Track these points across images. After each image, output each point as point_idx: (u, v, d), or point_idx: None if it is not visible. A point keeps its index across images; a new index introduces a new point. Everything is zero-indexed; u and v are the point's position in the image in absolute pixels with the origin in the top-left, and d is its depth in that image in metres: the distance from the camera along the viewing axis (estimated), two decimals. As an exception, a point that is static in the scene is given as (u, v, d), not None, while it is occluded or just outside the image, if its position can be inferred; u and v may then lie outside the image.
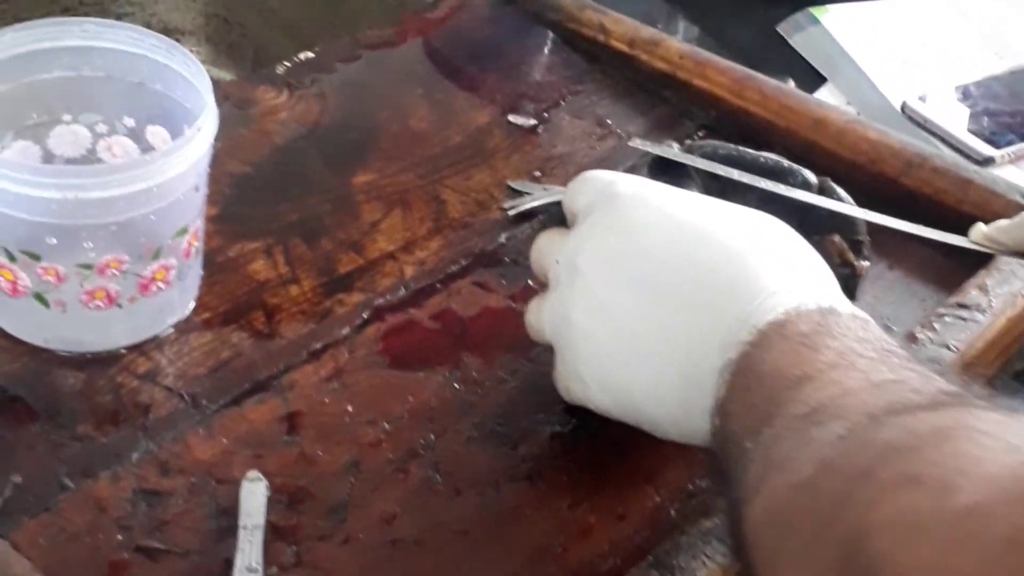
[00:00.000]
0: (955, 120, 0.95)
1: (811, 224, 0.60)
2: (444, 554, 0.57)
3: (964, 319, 0.67)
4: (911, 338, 0.67)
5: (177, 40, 0.65)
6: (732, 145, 0.67)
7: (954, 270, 0.74)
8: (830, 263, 0.56)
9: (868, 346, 0.46)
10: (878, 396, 0.42)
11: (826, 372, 0.45)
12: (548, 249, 0.59)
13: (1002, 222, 0.68)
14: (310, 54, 0.89)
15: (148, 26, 1.20)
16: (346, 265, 0.72)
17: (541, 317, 0.59)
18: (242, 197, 0.76)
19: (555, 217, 0.63)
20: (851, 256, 0.64)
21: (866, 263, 0.65)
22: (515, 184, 0.80)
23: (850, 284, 0.63)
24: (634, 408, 0.55)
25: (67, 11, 1.18)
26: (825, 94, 0.99)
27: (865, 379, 0.44)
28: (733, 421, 0.48)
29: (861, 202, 0.67)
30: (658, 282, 0.53)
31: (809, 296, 0.50)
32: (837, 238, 0.64)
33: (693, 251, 0.53)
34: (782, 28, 1.04)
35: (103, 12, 1.20)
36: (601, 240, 0.55)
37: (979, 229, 0.68)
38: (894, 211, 0.68)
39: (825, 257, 0.56)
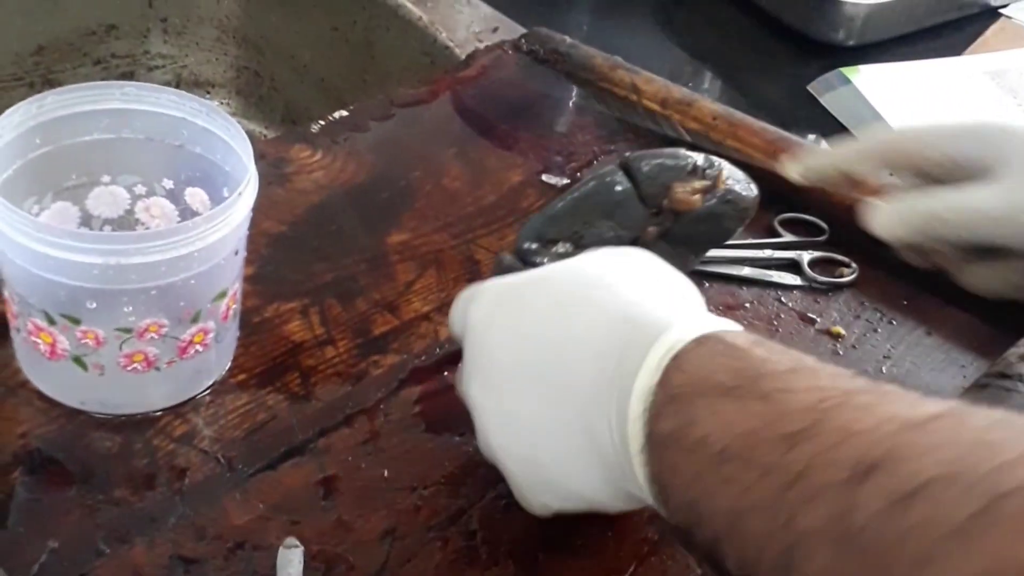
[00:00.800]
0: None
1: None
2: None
3: (1008, 389, 0.66)
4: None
5: (207, 92, 0.66)
6: (667, 150, 0.69)
7: (994, 337, 0.74)
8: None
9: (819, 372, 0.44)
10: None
11: (823, 422, 0.42)
12: (459, 383, 0.59)
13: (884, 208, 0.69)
14: (344, 112, 0.89)
15: (179, 78, 1.22)
16: (381, 326, 0.72)
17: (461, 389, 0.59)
18: (278, 257, 0.76)
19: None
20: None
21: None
22: None
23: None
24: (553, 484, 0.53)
25: (98, 63, 1.20)
26: (857, 153, 0.98)
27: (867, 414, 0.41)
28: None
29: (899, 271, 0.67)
30: (548, 333, 0.51)
31: (688, 327, 0.48)
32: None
33: (549, 363, 0.51)
34: (813, 88, 1.04)
35: (134, 64, 1.21)
36: (476, 369, 0.55)
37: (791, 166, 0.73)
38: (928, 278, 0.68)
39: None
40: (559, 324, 0.50)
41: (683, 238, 0.68)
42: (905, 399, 0.41)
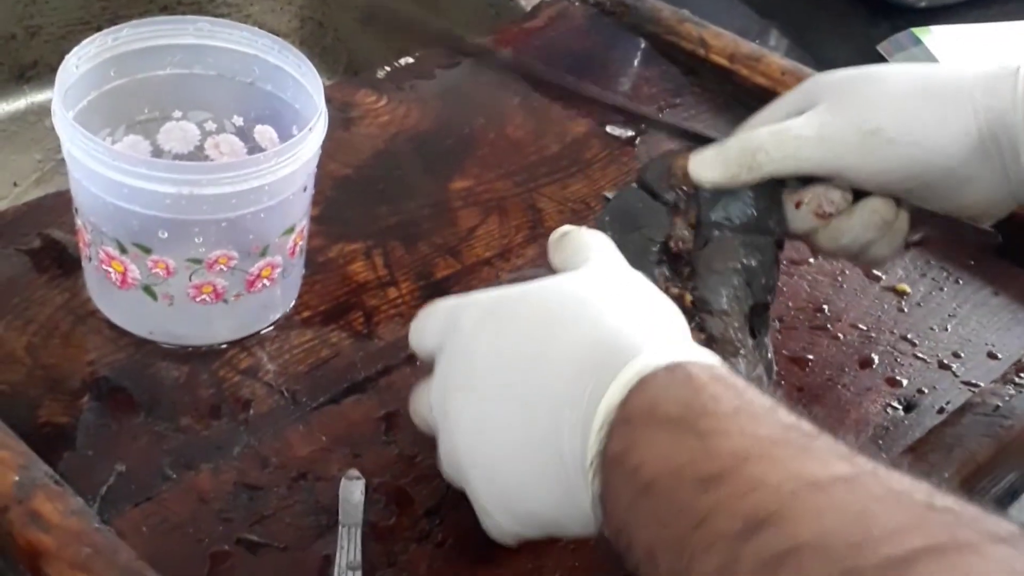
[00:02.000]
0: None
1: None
2: (542, 556, 0.57)
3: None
4: (1019, 367, 0.66)
5: (271, 42, 0.66)
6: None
7: (1062, 297, 0.73)
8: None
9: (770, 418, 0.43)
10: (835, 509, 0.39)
11: (740, 468, 0.41)
12: (420, 401, 0.55)
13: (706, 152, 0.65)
14: (410, 59, 0.89)
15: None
16: (443, 270, 0.73)
17: (422, 407, 0.55)
18: (343, 199, 0.76)
19: None
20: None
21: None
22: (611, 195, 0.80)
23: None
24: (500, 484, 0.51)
25: (164, 10, 1.20)
26: (924, 115, 0.97)
27: (794, 477, 0.40)
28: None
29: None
30: (524, 347, 0.50)
31: (660, 353, 0.46)
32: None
33: (529, 377, 0.49)
34: (883, 48, 1.03)
35: (199, 12, 1.22)
36: (457, 375, 0.52)
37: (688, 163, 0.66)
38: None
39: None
40: (541, 340, 0.49)
41: (719, 221, 0.64)
42: (827, 455, 0.41)
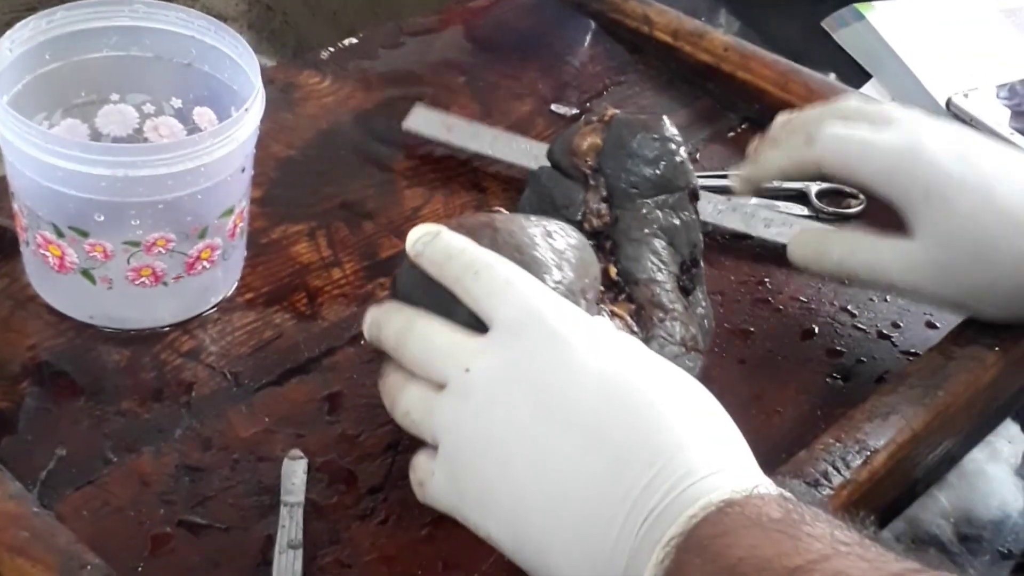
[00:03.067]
0: (999, 118, 0.95)
1: None
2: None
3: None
4: (955, 336, 0.67)
5: (219, 26, 0.65)
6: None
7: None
8: None
9: (848, 534, 0.43)
10: None
11: (823, 563, 0.41)
12: (451, 352, 0.51)
13: (747, 170, 0.72)
14: (354, 40, 0.89)
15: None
16: (388, 249, 0.73)
17: (432, 420, 0.51)
18: (286, 180, 0.76)
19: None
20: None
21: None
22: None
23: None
24: (526, 541, 0.49)
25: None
26: (869, 90, 0.98)
27: (875, 570, 0.41)
28: None
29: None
30: (587, 432, 0.47)
31: (759, 478, 0.47)
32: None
33: (627, 411, 0.47)
34: (827, 24, 1.04)
35: (148, -4, 1.21)
36: (533, 373, 0.49)
37: (733, 179, 0.73)
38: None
39: None
40: (588, 430, 0.47)
41: (625, 190, 0.64)
42: (893, 555, 0.42)
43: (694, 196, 0.65)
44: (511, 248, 0.54)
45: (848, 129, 0.67)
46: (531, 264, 0.53)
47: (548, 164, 0.67)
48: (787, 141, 0.70)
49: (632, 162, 0.63)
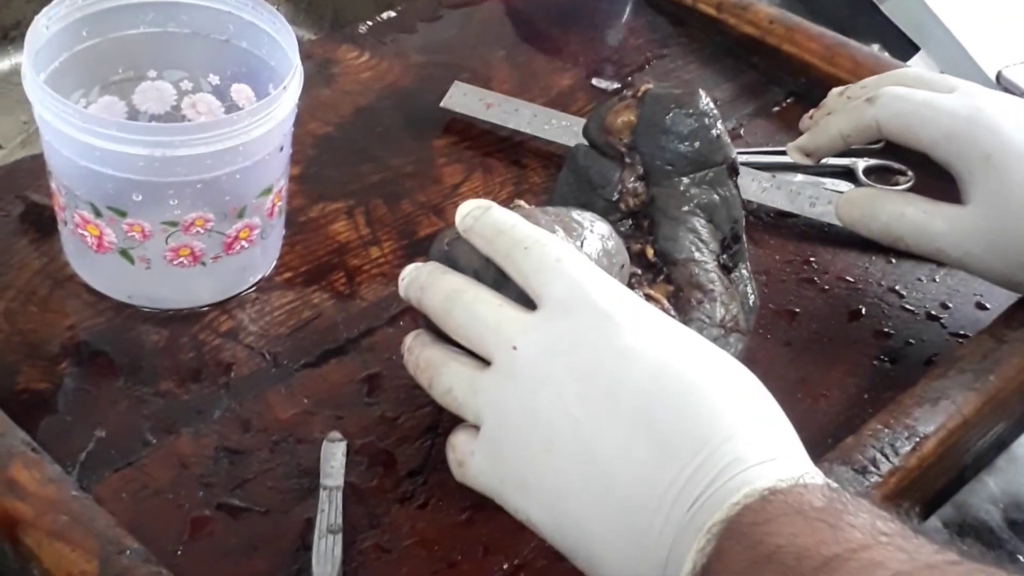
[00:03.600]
0: (1053, 91, 0.92)
1: None
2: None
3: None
4: (1007, 318, 0.65)
5: (258, -1, 0.65)
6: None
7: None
8: None
9: (890, 524, 0.42)
10: None
11: (861, 552, 0.41)
12: (498, 327, 0.50)
13: (804, 136, 0.71)
14: (392, 13, 0.88)
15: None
16: (427, 228, 0.72)
17: (476, 399, 0.50)
18: (324, 158, 0.75)
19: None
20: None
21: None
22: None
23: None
24: (567, 525, 0.48)
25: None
26: (917, 63, 0.96)
27: (911, 560, 0.40)
28: None
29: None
30: (634, 417, 0.46)
31: (806, 466, 0.46)
32: None
33: (675, 397, 0.47)
34: (874, -7, 1.01)
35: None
36: (582, 355, 0.48)
37: (790, 146, 0.72)
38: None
39: None
40: (638, 413, 0.47)
41: (661, 167, 0.62)
42: (932, 545, 0.41)
43: (733, 171, 0.64)
44: None
45: (909, 91, 0.66)
46: None
47: (585, 142, 0.66)
48: (846, 105, 0.69)
49: (667, 139, 0.62)
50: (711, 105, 0.63)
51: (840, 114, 0.68)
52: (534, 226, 0.53)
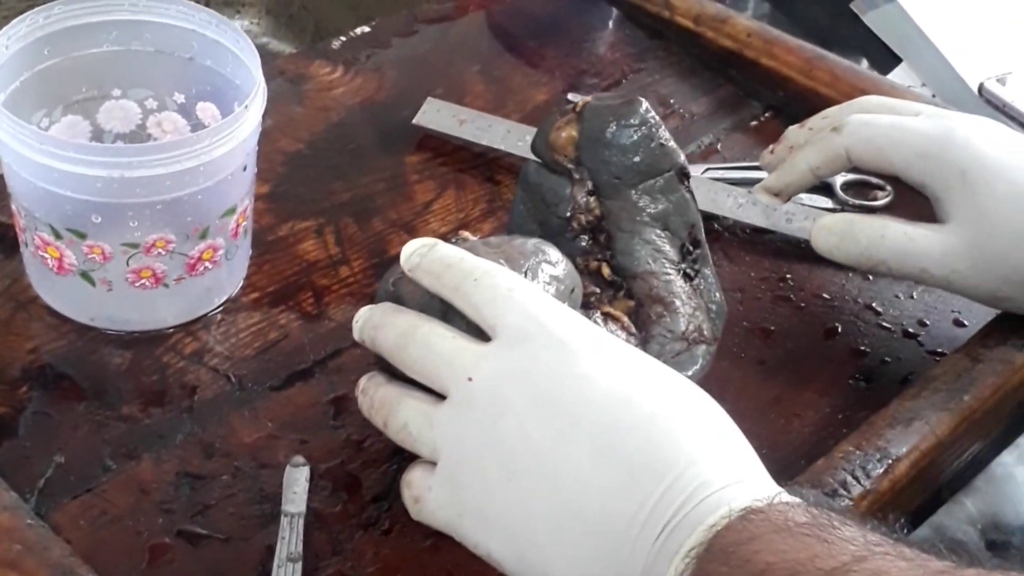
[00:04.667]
0: (1034, 103, 0.92)
1: None
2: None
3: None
4: (983, 337, 0.64)
5: (237, 12, 0.64)
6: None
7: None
8: None
9: (879, 536, 0.42)
10: None
11: (860, 564, 0.40)
12: (453, 359, 0.50)
13: (772, 176, 0.69)
14: (366, 28, 0.87)
15: (210, -1, 1.20)
16: (397, 246, 0.69)
17: (433, 433, 0.49)
18: (294, 175, 0.75)
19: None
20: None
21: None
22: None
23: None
24: (530, 556, 0.47)
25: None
26: (899, 75, 0.95)
27: (918, 567, 0.39)
28: None
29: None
30: (595, 445, 0.46)
31: (775, 487, 0.45)
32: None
33: (635, 424, 0.46)
34: (855, 6, 1.01)
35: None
36: (539, 383, 0.47)
37: (758, 188, 0.70)
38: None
39: None
40: (598, 437, 0.46)
41: (609, 181, 0.61)
42: (919, 553, 0.41)
43: (683, 175, 0.62)
44: None
45: (876, 116, 0.65)
46: None
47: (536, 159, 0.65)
48: (811, 137, 0.68)
49: (610, 152, 0.61)
50: (651, 114, 0.62)
51: (806, 148, 0.67)
52: (482, 259, 0.52)
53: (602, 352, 0.48)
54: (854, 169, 0.67)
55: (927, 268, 0.63)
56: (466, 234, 0.57)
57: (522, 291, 0.50)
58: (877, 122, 0.65)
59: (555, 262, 0.55)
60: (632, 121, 0.61)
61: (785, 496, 0.44)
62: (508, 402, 0.47)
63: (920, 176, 0.64)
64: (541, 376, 0.48)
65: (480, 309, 0.50)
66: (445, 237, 0.69)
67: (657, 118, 0.62)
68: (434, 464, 0.49)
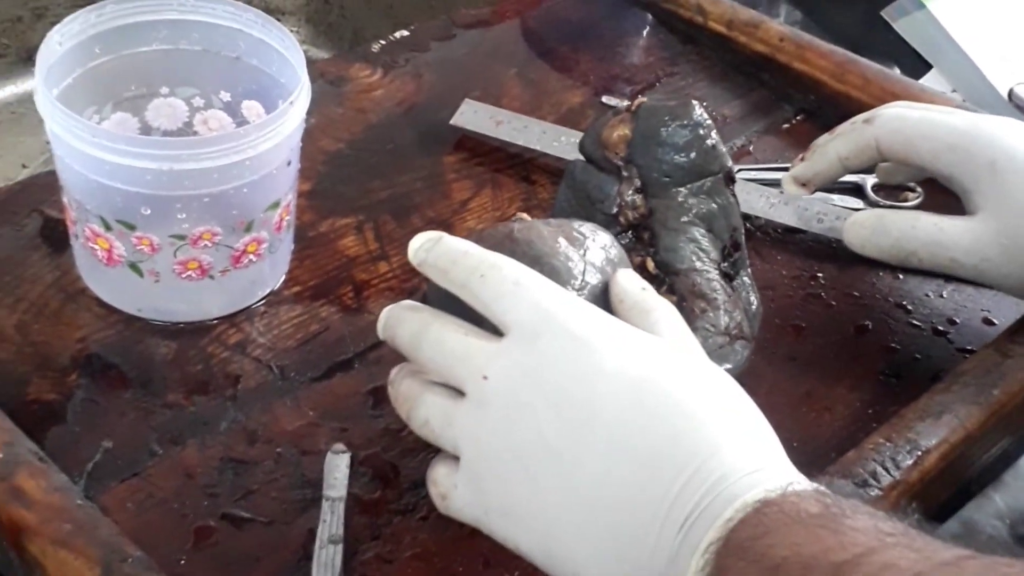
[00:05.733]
0: (1065, 109, 0.92)
1: None
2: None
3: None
4: (1012, 333, 0.65)
5: (277, 20, 0.65)
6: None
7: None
8: None
9: (891, 525, 0.42)
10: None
11: (870, 556, 0.40)
12: (466, 357, 0.50)
13: (801, 164, 0.71)
14: (405, 32, 0.89)
15: (249, 5, 1.23)
16: (435, 243, 0.72)
17: (453, 431, 0.50)
18: (335, 174, 0.76)
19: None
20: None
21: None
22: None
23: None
24: (556, 552, 0.47)
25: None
26: (930, 81, 0.96)
27: (925, 559, 0.39)
28: None
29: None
30: (613, 439, 0.46)
31: (793, 474, 0.45)
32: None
33: (655, 415, 0.46)
34: (887, 13, 1.02)
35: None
36: (554, 380, 0.47)
37: (785, 177, 0.71)
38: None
39: None
40: (620, 430, 0.46)
41: (658, 179, 0.63)
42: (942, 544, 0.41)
43: (730, 179, 0.64)
44: (530, 259, 0.53)
45: (907, 110, 0.67)
46: (552, 274, 0.52)
47: (581, 157, 0.66)
48: (844, 128, 0.69)
49: (663, 151, 0.62)
50: (705, 116, 0.63)
51: (837, 138, 0.69)
52: (489, 251, 0.52)
53: (617, 343, 0.48)
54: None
55: (957, 258, 0.64)
56: (524, 215, 0.58)
57: (530, 283, 0.50)
58: (908, 115, 0.67)
59: (610, 244, 0.56)
60: (687, 121, 0.63)
61: (798, 484, 0.44)
62: (523, 401, 0.48)
63: (948, 168, 0.65)
64: (554, 373, 0.48)
65: (489, 305, 0.50)
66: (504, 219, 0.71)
67: (710, 121, 0.64)
68: (458, 459, 0.50)
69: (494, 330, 0.50)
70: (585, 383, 0.47)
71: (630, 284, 0.53)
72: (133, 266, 0.62)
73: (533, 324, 0.49)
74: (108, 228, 0.61)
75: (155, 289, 0.63)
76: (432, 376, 0.51)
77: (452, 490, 0.50)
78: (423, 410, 0.51)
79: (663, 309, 0.52)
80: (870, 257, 0.67)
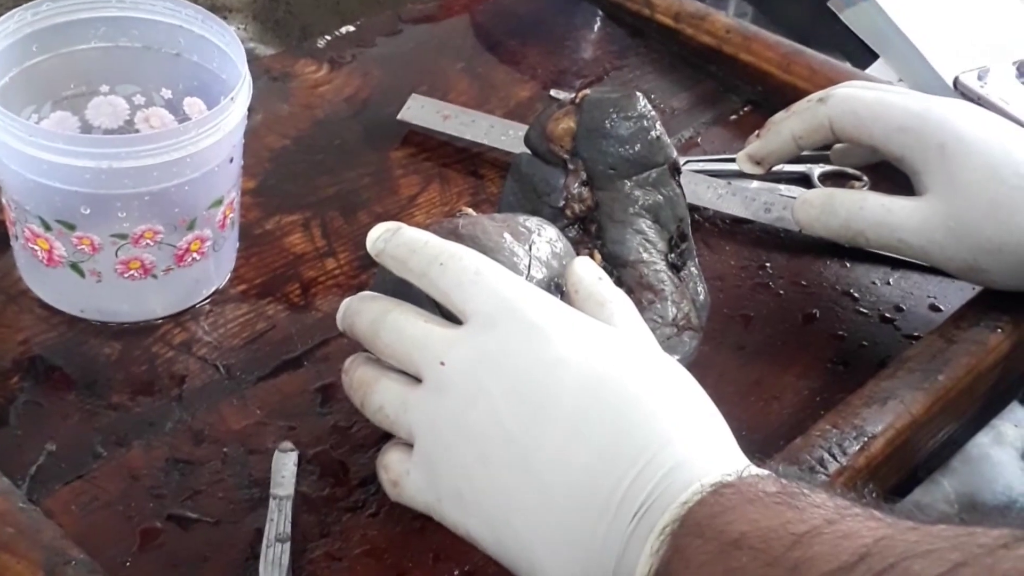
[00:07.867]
0: (1013, 98, 0.93)
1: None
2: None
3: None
4: (957, 319, 0.66)
5: (225, 17, 0.65)
6: None
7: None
8: None
9: (849, 502, 0.42)
10: (932, 535, 0.39)
11: (830, 526, 0.40)
12: (425, 343, 0.50)
13: (756, 142, 0.71)
14: (351, 28, 0.88)
15: (195, 3, 1.22)
16: (383, 239, 0.72)
17: (408, 416, 0.50)
18: (281, 171, 0.76)
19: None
20: None
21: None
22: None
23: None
24: (508, 537, 0.47)
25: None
26: (876, 70, 0.97)
27: (887, 525, 0.40)
28: None
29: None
30: (570, 426, 0.46)
31: (744, 463, 0.45)
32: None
33: (609, 405, 0.46)
34: (833, 3, 1.02)
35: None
36: (511, 367, 0.48)
37: (740, 155, 0.72)
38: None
39: None
40: (574, 415, 0.46)
41: (604, 171, 0.63)
42: (889, 515, 0.42)
43: (675, 170, 0.64)
44: None
45: (860, 90, 0.67)
46: None
47: (527, 150, 0.66)
48: (798, 106, 0.69)
49: (607, 143, 0.63)
50: (648, 107, 0.63)
51: (791, 117, 0.69)
52: (448, 241, 0.52)
53: (575, 333, 0.49)
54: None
55: (904, 239, 0.64)
56: (469, 210, 0.58)
57: (490, 273, 0.50)
58: (861, 95, 0.67)
59: (556, 239, 0.56)
60: (630, 113, 0.63)
61: (755, 469, 0.44)
62: (480, 387, 0.48)
63: (899, 149, 0.65)
64: (512, 360, 0.48)
65: (449, 294, 0.50)
66: (452, 214, 0.71)
67: (654, 112, 0.64)
68: (410, 446, 0.50)
69: (448, 317, 0.51)
70: (543, 370, 0.47)
71: (587, 273, 0.53)
72: (74, 266, 0.61)
73: (492, 312, 0.49)
74: (48, 228, 0.60)
75: (97, 289, 0.62)
76: (390, 362, 0.52)
77: (404, 476, 0.50)
78: (378, 396, 0.51)
79: (618, 300, 0.52)
80: (819, 236, 0.68)
